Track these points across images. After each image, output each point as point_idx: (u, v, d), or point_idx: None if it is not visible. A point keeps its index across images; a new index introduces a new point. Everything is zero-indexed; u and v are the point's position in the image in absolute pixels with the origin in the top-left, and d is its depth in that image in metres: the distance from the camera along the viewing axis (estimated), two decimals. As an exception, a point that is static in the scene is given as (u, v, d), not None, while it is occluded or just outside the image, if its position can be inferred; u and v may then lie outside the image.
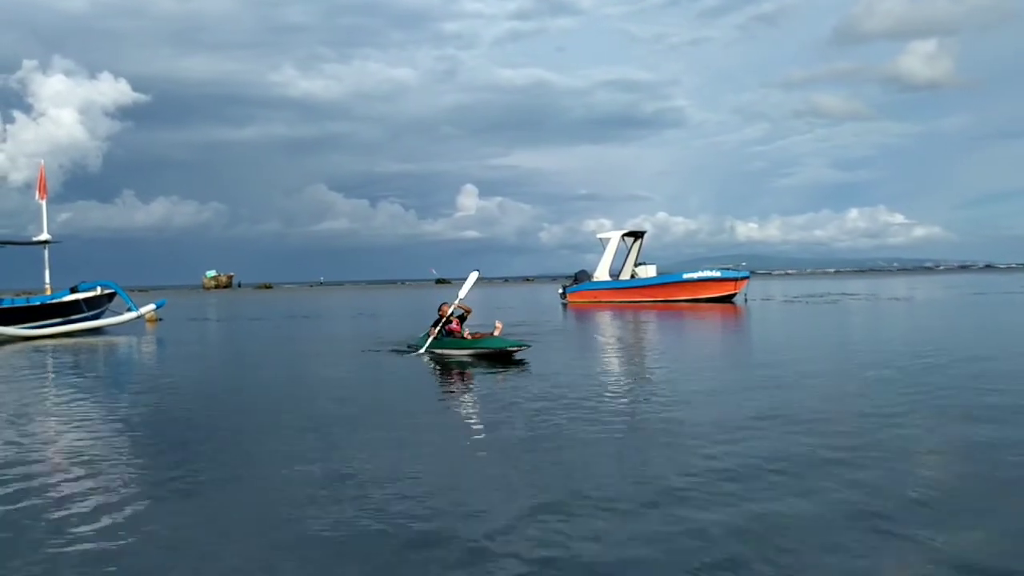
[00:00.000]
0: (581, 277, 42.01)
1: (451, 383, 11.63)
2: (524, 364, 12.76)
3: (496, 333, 13.91)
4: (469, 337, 14.07)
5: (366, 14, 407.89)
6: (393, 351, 15.15)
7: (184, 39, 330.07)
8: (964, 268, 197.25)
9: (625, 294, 39.68)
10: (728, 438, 6.86)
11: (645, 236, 42.64)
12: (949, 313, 27.41)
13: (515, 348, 13.32)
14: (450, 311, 14.49)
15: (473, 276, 15.90)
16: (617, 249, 41.22)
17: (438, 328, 14.44)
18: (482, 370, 12.27)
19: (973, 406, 8.18)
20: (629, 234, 42.00)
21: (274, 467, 6.25)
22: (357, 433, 7.61)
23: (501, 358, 13.16)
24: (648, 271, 40.92)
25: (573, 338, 20.13)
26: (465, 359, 13.41)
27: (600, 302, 38.91)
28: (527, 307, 37.48)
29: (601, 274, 41.20)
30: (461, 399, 10.12)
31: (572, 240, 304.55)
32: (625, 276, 41.23)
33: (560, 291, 42.13)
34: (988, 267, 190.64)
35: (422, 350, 14.29)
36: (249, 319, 32.87)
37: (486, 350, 13.41)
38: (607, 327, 22.92)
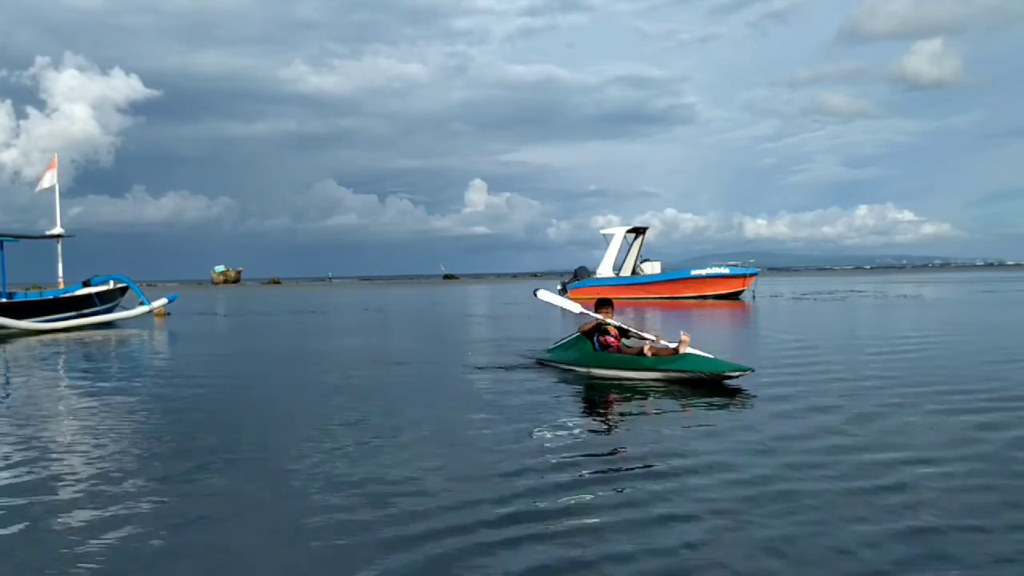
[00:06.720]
0: (581, 273, 41.64)
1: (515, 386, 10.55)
2: (740, 392, 9.26)
3: (681, 349, 10.17)
4: (650, 354, 10.35)
5: (377, 10, 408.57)
6: (535, 360, 12.33)
7: (196, 35, 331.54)
8: (989, 266, 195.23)
9: (630, 291, 39.50)
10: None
11: (648, 232, 42.56)
12: (964, 310, 27.39)
13: (735, 373, 9.74)
14: (607, 319, 11.10)
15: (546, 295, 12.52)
16: (620, 245, 41.18)
17: (593, 338, 11.08)
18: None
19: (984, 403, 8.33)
20: (632, 230, 41.80)
21: (286, 468, 6.33)
22: (396, 440, 7.59)
23: (711, 384, 9.63)
24: (653, 267, 40.80)
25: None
26: (652, 382, 9.92)
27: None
28: (531, 303, 37.48)
29: (604, 270, 40.99)
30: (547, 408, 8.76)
31: (580, 236, 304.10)
32: (626, 272, 41.07)
33: (559, 288, 40.76)
34: (1014, 265, 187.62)
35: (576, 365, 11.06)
36: (257, 314, 33.11)
37: (689, 373, 9.79)
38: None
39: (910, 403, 8.25)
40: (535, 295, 12.87)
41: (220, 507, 5.08)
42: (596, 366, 10.73)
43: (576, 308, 11.70)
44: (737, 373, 9.72)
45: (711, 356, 10.08)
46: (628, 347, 10.84)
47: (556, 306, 13.01)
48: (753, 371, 9.90)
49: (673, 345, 10.34)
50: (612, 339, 10.90)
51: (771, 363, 11.73)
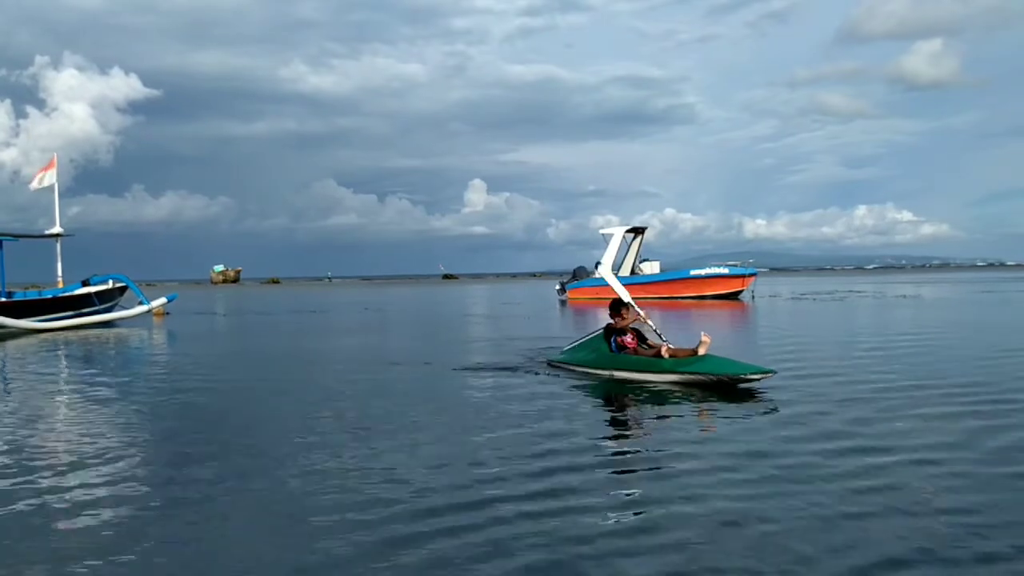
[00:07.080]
0: (580, 273, 41.57)
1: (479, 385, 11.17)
2: (760, 396, 8.87)
3: (701, 350, 9.78)
4: (667, 356, 10.02)
5: (376, 9, 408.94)
6: (545, 362, 12.07)
7: (195, 34, 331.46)
8: (989, 266, 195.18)
9: (629, 291, 39.23)
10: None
11: (647, 232, 42.50)
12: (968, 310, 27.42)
13: (757, 375, 9.32)
14: (630, 321, 10.77)
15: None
16: (619, 245, 41.15)
17: (610, 340, 10.66)
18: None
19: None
20: (631, 230, 41.73)
21: (283, 465, 6.33)
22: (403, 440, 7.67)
23: (727, 387, 9.27)
24: (652, 267, 40.78)
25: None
26: (666, 385, 9.60)
27: (603, 299, 38.40)
28: (530, 303, 37.56)
29: (603, 270, 40.97)
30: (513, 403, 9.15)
31: (580, 236, 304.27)
32: (624, 272, 41.01)
33: (558, 287, 41.41)
34: (1014, 265, 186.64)
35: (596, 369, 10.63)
36: (256, 313, 33.09)
37: (709, 376, 9.43)
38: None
39: (910, 402, 8.26)
40: (596, 267, 12.78)
41: (217, 503, 5.07)
42: (614, 368, 10.36)
43: (627, 296, 11.42)
44: (759, 375, 9.29)
45: (731, 360, 9.69)
46: (644, 349, 10.55)
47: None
48: (775, 373, 9.51)
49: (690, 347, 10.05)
50: (629, 340, 10.57)
51: (773, 362, 11.72)
